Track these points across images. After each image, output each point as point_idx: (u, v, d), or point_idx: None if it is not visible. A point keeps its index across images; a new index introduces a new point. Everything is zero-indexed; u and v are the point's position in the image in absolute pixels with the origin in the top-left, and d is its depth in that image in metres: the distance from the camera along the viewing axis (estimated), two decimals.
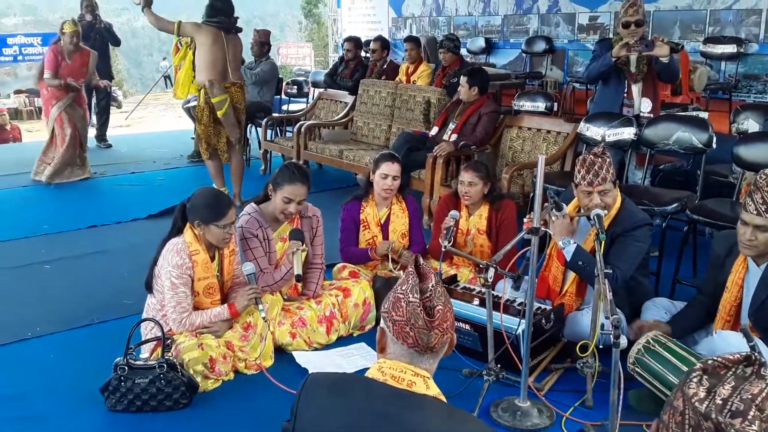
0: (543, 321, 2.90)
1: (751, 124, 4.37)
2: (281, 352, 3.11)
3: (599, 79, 4.47)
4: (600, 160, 2.92)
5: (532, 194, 3.10)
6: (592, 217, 2.70)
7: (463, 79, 5.18)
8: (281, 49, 15.30)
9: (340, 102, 7.12)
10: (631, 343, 2.58)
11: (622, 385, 2.20)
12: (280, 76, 7.87)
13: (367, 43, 7.79)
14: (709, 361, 1.04)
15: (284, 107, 8.09)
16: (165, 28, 5.30)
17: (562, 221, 2.92)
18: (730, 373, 1.02)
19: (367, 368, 1.52)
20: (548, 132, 5.03)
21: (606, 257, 2.63)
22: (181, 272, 2.82)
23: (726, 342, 2.51)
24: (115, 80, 11.89)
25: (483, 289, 2.88)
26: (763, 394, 0.98)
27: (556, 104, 5.48)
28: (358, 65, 7.35)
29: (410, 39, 7.18)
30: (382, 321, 1.51)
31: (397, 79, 6.92)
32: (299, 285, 3.36)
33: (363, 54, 7.67)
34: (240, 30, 5.44)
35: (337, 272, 3.66)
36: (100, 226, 5.14)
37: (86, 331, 3.38)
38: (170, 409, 2.64)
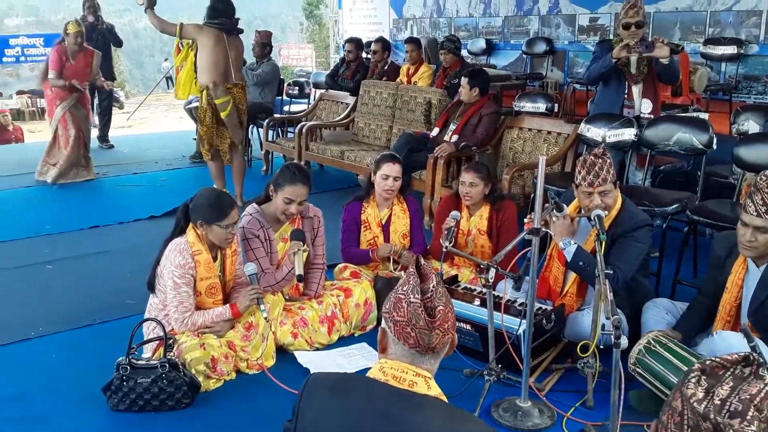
0: (544, 321, 2.90)
1: (751, 125, 4.37)
2: (283, 352, 3.12)
3: (600, 80, 4.48)
4: (600, 161, 2.92)
5: (532, 195, 3.10)
6: (592, 218, 2.70)
7: (463, 80, 5.19)
8: (283, 50, 15.33)
9: (342, 103, 7.13)
10: (631, 344, 2.59)
11: (622, 386, 2.19)
12: (281, 77, 7.89)
13: (368, 44, 7.79)
14: (707, 362, 1.04)
15: (285, 108, 8.10)
16: (167, 30, 5.32)
17: (562, 222, 2.93)
18: (729, 373, 1.02)
19: (369, 368, 1.53)
20: (549, 133, 5.03)
21: (606, 258, 2.64)
22: (183, 272, 2.83)
23: (726, 342, 2.52)
24: (117, 81, 11.91)
25: (484, 290, 2.89)
26: (762, 395, 0.98)
27: (556, 105, 5.48)
28: (359, 66, 7.35)
29: (411, 40, 7.19)
30: (383, 321, 1.51)
31: (398, 80, 6.92)
32: (301, 285, 3.36)
33: (364, 55, 7.67)
34: (241, 31, 5.45)
35: (339, 272, 3.67)
36: (102, 226, 5.15)
37: (88, 331, 3.39)
38: (172, 409, 2.65)
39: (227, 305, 2.95)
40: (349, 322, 3.32)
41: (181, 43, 5.36)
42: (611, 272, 2.61)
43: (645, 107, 4.31)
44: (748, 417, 0.96)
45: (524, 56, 8.16)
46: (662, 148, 4.04)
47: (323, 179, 6.67)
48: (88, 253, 4.56)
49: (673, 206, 3.61)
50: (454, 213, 3.40)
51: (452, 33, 8.74)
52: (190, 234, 2.90)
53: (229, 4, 5.32)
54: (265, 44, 7.40)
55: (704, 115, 4.52)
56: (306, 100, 8.22)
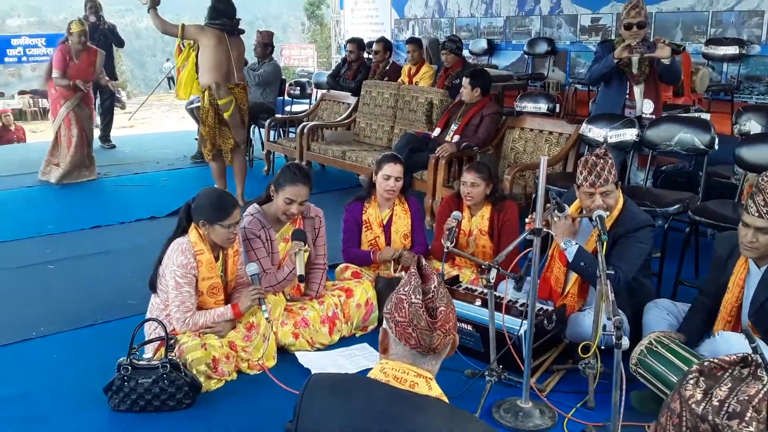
0: (545, 322, 2.90)
1: (753, 125, 4.36)
2: (284, 353, 3.12)
3: (601, 80, 4.48)
4: (602, 161, 2.92)
5: (534, 195, 3.09)
6: (594, 218, 2.70)
7: (465, 81, 5.19)
8: (284, 50, 15.30)
9: (343, 103, 7.13)
10: (633, 344, 2.58)
11: (624, 386, 2.19)
12: (283, 77, 7.88)
13: (370, 44, 7.79)
14: (706, 363, 1.04)
15: (287, 108, 8.11)
16: (169, 31, 5.32)
17: (564, 222, 2.93)
18: (727, 374, 1.02)
19: (370, 369, 1.53)
20: (550, 133, 5.03)
21: (608, 258, 2.64)
22: (185, 272, 2.84)
23: (728, 343, 2.51)
24: (119, 81, 11.92)
25: (485, 290, 2.89)
26: (760, 396, 0.98)
27: (558, 105, 5.48)
28: (360, 66, 7.35)
29: (412, 40, 7.18)
30: (384, 322, 1.51)
31: (399, 80, 6.92)
32: (302, 285, 3.36)
33: (365, 55, 7.67)
34: (243, 31, 5.46)
35: (340, 273, 3.67)
36: (103, 226, 5.16)
37: (90, 331, 3.39)
38: (173, 409, 2.65)
39: (229, 305, 2.96)
40: (351, 322, 3.33)
41: (183, 44, 5.37)
42: (612, 273, 2.61)
43: (646, 108, 4.31)
44: (747, 418, 0.96)
45: (526, 56, 8.16)
46: (664, 148, 4.04)
47: (324, 179, 6.67)
48: (90, 253, 4.57)
49: (675, 207, 3.61)
50: (455, 213, 3.40)
51: (454, 33, 8.74)
52: (192, 234, 2.90)
53: (230, 4, 5.33)
54: (266, 44, 7.41)
55: (706, 116, 4.52)
56: (307, 101, 8.23)
